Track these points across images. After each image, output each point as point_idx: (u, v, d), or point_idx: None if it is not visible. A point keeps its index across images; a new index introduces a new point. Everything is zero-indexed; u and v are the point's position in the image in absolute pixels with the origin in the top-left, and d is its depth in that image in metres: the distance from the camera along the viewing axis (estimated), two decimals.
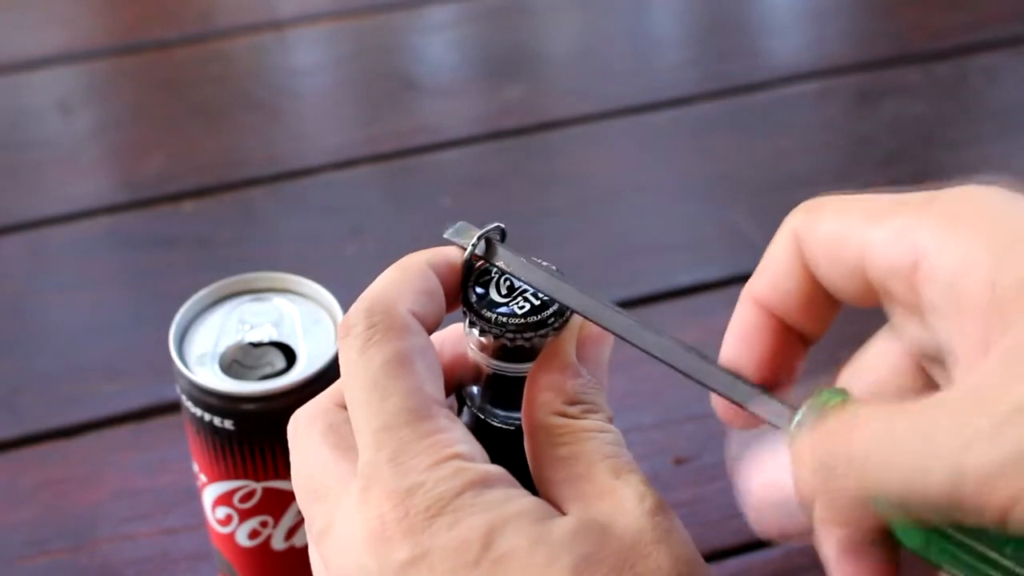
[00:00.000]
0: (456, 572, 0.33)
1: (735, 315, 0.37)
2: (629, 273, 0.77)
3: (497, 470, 0.35)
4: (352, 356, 0.36)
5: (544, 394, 0.37)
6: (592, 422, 0.37)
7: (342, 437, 0.36)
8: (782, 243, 0.36)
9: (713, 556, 0.60)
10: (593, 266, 0.76)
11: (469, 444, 0.35)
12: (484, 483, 0.34)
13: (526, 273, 0.38)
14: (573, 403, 0.37)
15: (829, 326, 0.37)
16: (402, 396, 0.35)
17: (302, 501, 0.37)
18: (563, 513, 0.35)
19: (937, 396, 0.30)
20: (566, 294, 0.37)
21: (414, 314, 0.37)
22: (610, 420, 0.37)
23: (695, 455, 0.57)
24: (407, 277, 0.38)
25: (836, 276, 0.35)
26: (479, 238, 0.39)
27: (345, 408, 0.37)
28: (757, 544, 0.61)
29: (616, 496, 0.35)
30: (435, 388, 0.36)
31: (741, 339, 0.37)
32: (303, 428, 0.38)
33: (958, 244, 0.31)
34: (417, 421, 0.35)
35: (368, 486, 0.34)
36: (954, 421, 0.29)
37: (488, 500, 0.34)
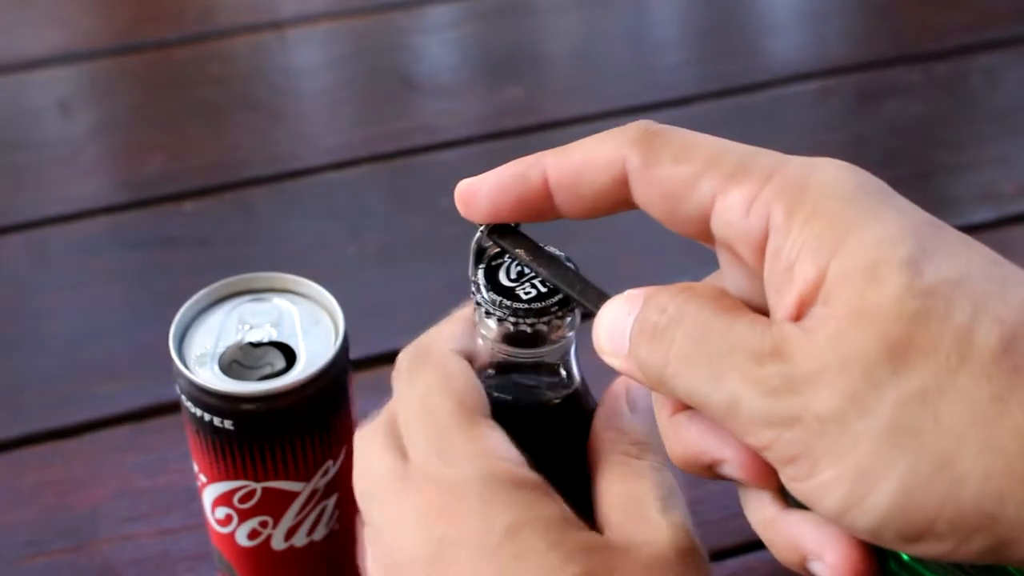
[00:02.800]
0: (479, 554, 0.36)
1: (515, 165, 0.38)
2: (630, 273, 0.77)
3: (533, 476, 0.38)
4: (402, 387, 0.42)
5: (608, 433, 0.41)
6: (649, 463, 0.40)
7: (401, 446, 0.41)
8: (607, 157, 0.36)
9: (713, 556, 0.60)
10: (593, 266, 0.75)
11: (508, 449, 0.39)
12: (516, 483, 0.37)
13: (532, 258, 0.38)
14: (635, 444, 0.41)
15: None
16: (447, 410, 0.40)
17: (363, 504, 0.41)
18: (601, 528, 0.39)
19: (751, 318, 0.32)
20: (567, 281, 0.38)
21: (451, 349, 0.42)
22: (664, 461, 0.41)
23: None
24: (446, 325, 0.43)
25: (665, 214, 0.35)
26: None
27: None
28: (757, 544, 0.61)
29: (655, 530, 0.38)
30: (475, 402, 0.40)
31: (506, 181, 0.38)
32: (367, 439, 0.42)
33: (803, 229, 0.32)
34: (462, 427, 0.39)
35: (420, 481, 0.39)
36: (755, 360, 0.31)
37: (518, 499, 0.37)
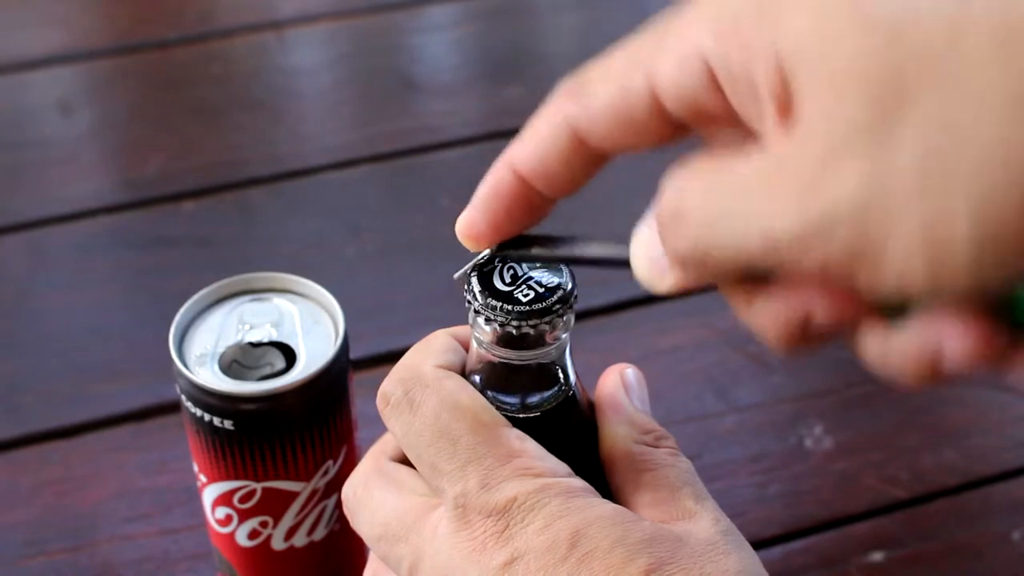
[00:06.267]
0: (548, 568, 0.36)
1: (490, 178, 0.38)
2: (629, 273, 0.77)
3: (579, 482, 0.38)
4: (403, 418, 0.40)
5: (620, 427, 0.41)
6: (668, 451, 0.41)
7: (401, 483, 0.40)
8: (550, 125, 0.36)
9: None
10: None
11: (547, 459, 0.38)
12: (569, 493, 0.37)
13: (551, 250, 0.38)
14: (647, 432, 0.41)
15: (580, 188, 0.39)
16: (468, 432, 0.38)
17: (382, 549, 0.40)
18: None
19: (754, 157, 0.31)
20: (590, 251, 0.38)
21: (439, 366, 0.40)
22: (677, 444, 0.41)
23: (696, 455, 0.57)
24: (425, 344, 0.42)
25: (629, 137, 0.35)
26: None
27: (393, 459, 0.41)
28: (757, 544, 0.61)
29: (695, 518, 0.38)
30: (490, 416, 0.39)
31: (491, 199, 0.38)
32: (362, 489, 0.41)
33: (735, 38, 0.31)
34: (494, 449, 0.38)
35: (465, 513, 0.38)
36: (761, 186, 0.30)
37: (574, 506, 0.37)
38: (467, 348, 0.41)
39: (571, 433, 0.41)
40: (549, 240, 0.39)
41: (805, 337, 0.33)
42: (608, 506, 0.37)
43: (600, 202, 0.84)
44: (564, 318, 0.38)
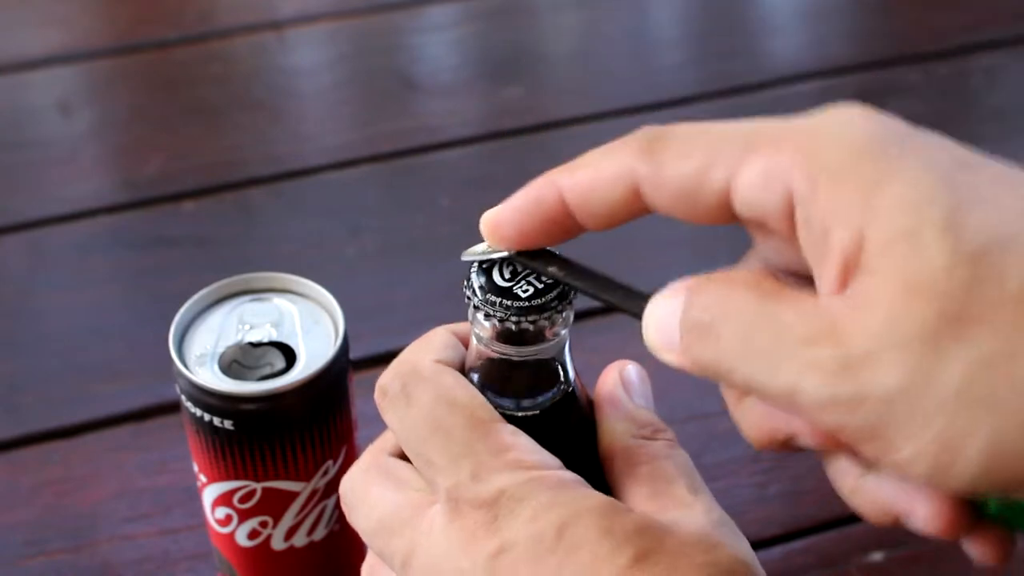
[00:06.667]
0: (536, 558, 0.36)
1: (532, 188, 0.38)
2: (630, 272, 0.77)
3: (570, 475, 0.38)
4: (400, 411, 0.40)
5: (618, 423, 0.41)
6: (665, 443, 0.41)
7: (399, 478, 0.40)
8: (614, 171, 0.36)
9: None
10: (593, 265, 0.75)
11: (538, 453, 0.38)
12: (560, 485, 0.37)
13: (566, 273, 0.39)
14: (644, 426, 0.41)
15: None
16: (462, 427, 0.38)
17: (377, 544, 0.40)
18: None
19: (805, 304, 0.32)
20: (606, 289, 0.39)
21: (437, 361, 0.41)
22: (675, 438, 0.41)
23: (697, 454, 0.56)
24: (425, 340, 0.42)
25: (685, 213, 0.36)
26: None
27: (392, 455, 0.41)
28: (757, 544, 0.61)
29: (689, 508, 0.38)
30: (485, 411, 0.39)
31: (528, 206, 0.38)
32: (360, 484, 0.41)
33: (828, 193, 0.32)
34: (487, 443, 0.38)
35: (457, 505, 0.38)
36: (809, 339, 0.31)
37: (563, 498, 0.37)
38: (467, 345, 0.41)
39: (570, 430, 0.41)
40: (568, 265, 0.39)
41: (783, 448, 0.36)
42: (598, 498, 0.37)
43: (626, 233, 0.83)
44: (563, 314, 0.38)
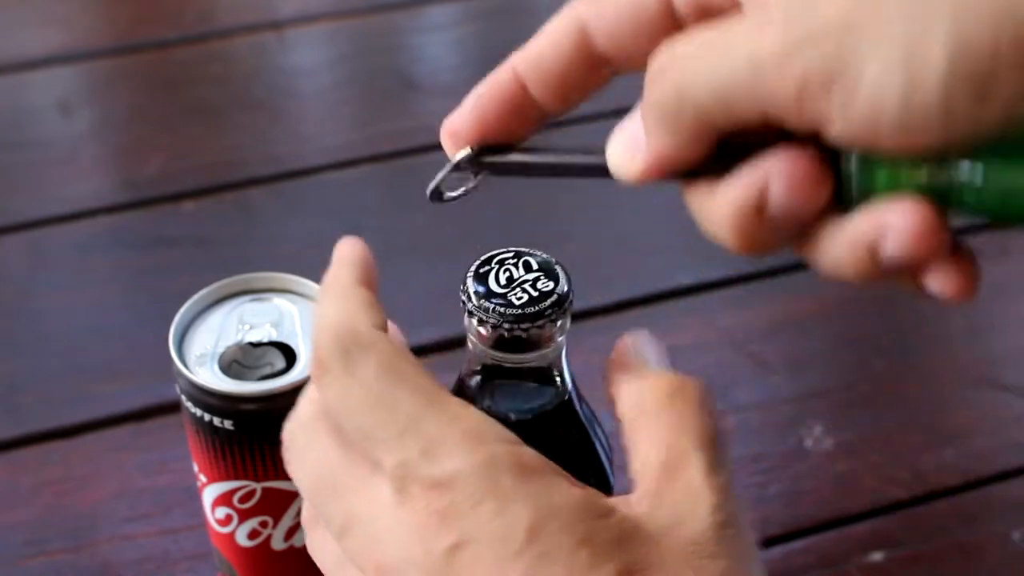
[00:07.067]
0: (500, 560, 0.33)
1: (486, 81, 0.38)
2: (629, 272, 0.77)
3: (533, 454, 0.35)
4: (341, 383, 0.36)
5: (632, 384, 0.37)
6: (687, 400, 0.36)
7: (347, 439, 0.37)
8: (560, 23, 0.37)
9: None
10: (593, 265, 0.75)
11: (494, 426, 0.35)
12: (524, 469, 0.34)
13: (528, 158, 0.39)
14: (663, 380, 0.37)
15: (573, 109, 0.39)
16: (409, 399, 0.35)
17: (314, 499, 0.37)
18: (630, 501, 0.35)
19: (747, 12, 0.33)
20: (573, 158, 0.39)
21: (379, 328, 0.37)
22: (704, 396, 0.36)
23: None
24: (345, 300, 0.38)
25: (634, 31, 0.36)
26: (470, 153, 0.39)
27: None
28: (757, 544, 0.61)
29: (697, 500, 0.34)
30: (430, 382, 0.36)
31: (483, 99, 0.38)
32: (302, 433, 0.38)
33: None
34: (435, 415, 0.35)
35: (405, 485, 0.34)
36: (750, 24, 0.32)
37: (533, 489, 0.33)
38: (370, 283, 0.39)
39: (567, 437, 0.41)
40: (530, 149, 0.39)
41: (760, 225, 0.33)
42: (572, 493, 0.34)
43: (626, 234, 0.83)
44: (559, 322, 0.38)
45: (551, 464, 0.35)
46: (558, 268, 0.39)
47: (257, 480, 0.51)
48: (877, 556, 0.61)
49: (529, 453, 0.35)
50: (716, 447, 0.35)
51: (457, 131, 0.38)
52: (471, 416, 0.35)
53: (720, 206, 0.34)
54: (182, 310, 0.51)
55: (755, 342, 0.71)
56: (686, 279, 0.75)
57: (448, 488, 0.34)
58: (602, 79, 0.37)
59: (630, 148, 0.35)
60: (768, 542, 0.62)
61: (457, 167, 0.39)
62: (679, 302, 0.74)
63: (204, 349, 0.50)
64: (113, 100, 0.97)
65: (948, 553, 0.62)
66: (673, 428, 0.35)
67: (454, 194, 0.39)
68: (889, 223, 0.32)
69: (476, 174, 0.39)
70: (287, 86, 0.99)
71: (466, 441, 0.34)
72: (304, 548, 0.53)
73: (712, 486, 0.34)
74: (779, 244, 0.34)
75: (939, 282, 0.32)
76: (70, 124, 0.93)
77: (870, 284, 0.34)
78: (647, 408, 0.36)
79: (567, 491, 0.34)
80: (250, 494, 0.51)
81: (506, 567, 0.33)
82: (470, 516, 0.33)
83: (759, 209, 0.33)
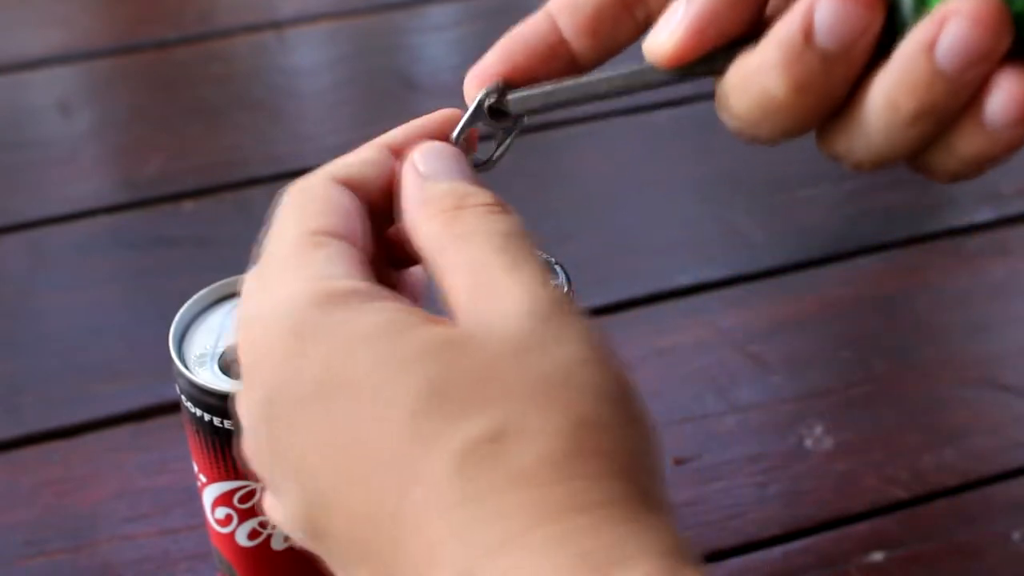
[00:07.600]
0: (296, 409, 0.31)
1: (519, 25, 0.38)
2: (629, 273, 0.77)
3: (360, 284, 0.32)
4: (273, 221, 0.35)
5: (420, 211, 0.35)
6: (475, 209, 0.34)
7: (316, 266, 0.35)
8: None
9: (713, 556, 0.60)
10: (593, 265, 0.75)
11: (334, 266, 0.33)
12: (332, 299, 0.32)
13: (554, 86, 0.37)
14: (449, 196, 0.35)
15: (604, 61, 0.37)
16: (291, 239, 0.36)
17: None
18: (447, 325, 0.32)
19: None
20: (600, 85, 0.37)
21: (334, 179, 0.38)
22: (496, 200, 0.35)
23: (695, 455, 0.57)
24: (351, 155, 0.40)
25: None
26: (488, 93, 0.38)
27: (322, 233, 0.37)
28: (757, 544, 0.61)
29: (504, 297, 0.31)
30: (327, 223, 0.36)
31: (514, 40, 0.38)
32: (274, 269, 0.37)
33: None
34: (295, 250, 0.35)
35: (240, 306, 0.35)
36: None
37: (332, 321, 0.31)
38: (399, 154, 0.38)
39: None
40: (560, 80, 0.37)
41: (810, 56, 0.31)
42: (378, 316, 0.31)
43: (626, 236, 0.83)
44: None
45: (375, 289, 0.32)
46: (558, 268, 0.39)
47: (257, 480, 0.50)
48: (877, 556, 0.61)
49: (348, 283, 0.32)
50: (512, 245, 0.34)
51: (482, 72, 0.38)
52: (325, 260, 0.34)
53: (765, 51, 0.31)
54: (182, 310, 0.51)
55: (755, 342, 0.71)
56: (686, 279, 0.75)
57: (260, 329, 0.33)
58: (636, 25, 0.36)
59: (668, 22, 0.34)
60: (768, 542, 0.62)
61: (480, 107, 0.38)
62: (679, 302, 0.74)
63: (204, 349, 0.50)
64: (113, 100, 0.97)
65: (948, 553, 0.62)
66: (463, 249, 0.33)
67: (496, 155, 0.38)
68: (950, 10, 0.29)
69: (503, 128, 0.38)
70: (287, 86, 0.99)
71: (291, 277, 0.33)
72: (304, 549, 0.53)
73: (516, 281, 0.32)
74: (833, 86, 0.31)
75: (1004, 97, 0.30)
76: (70, 124, 0.93)
77: (919, 136, 0.31)
78: (440, 243, 0.34)
79: (368, 315, 0.31)
80: (250, 494, 0.51)
81: (299, 417, 0.31)
82: (266, 361, 0.32)
83: (807, 34, 0.30)
